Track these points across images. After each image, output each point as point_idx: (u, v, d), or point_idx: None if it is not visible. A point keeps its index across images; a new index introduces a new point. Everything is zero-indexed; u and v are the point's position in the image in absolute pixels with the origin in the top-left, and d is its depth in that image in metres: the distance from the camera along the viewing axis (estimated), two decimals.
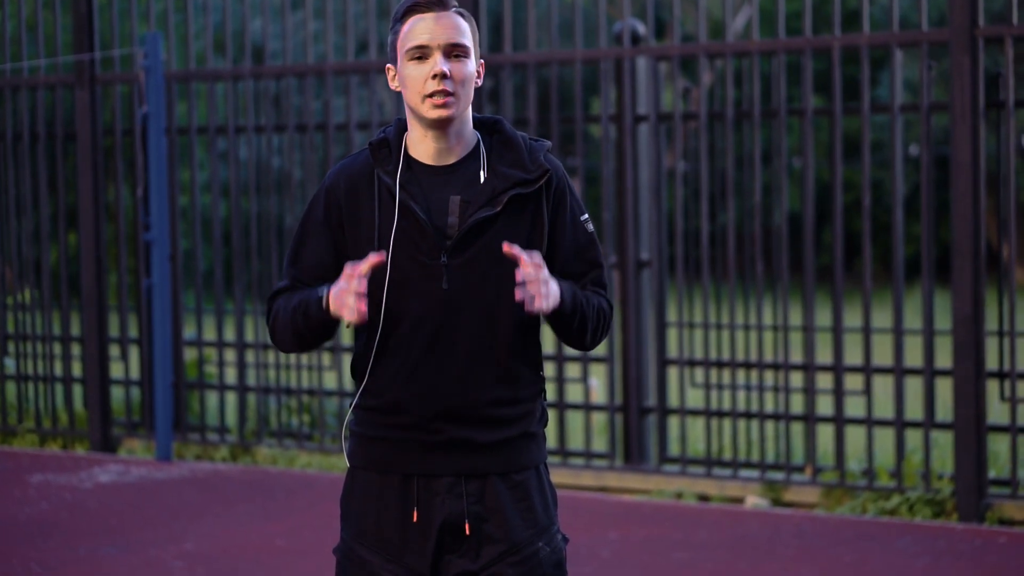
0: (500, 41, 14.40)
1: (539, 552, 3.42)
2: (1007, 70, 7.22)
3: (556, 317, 3.36)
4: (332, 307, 3.29)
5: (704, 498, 7.96)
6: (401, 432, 3.40)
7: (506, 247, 3.27)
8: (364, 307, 3.25)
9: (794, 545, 6.85)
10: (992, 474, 7.73)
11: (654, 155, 8.23)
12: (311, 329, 3.38)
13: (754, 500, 7.80)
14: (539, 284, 3.25)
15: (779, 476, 7.88)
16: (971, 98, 7.19)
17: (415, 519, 3.40)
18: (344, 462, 8.68)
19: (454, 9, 3.38)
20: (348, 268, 3.26)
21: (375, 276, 3.36)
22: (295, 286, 3.45)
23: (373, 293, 3.37)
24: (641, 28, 8.29)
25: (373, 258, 3.25)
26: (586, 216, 3.48)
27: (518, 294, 3.25)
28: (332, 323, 3.35)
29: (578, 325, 3.41)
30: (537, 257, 3.26)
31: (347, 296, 3.25)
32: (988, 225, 17.73)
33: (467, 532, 3.39)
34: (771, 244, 8.14)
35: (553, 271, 3.42)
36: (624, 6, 8.08)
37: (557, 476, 8.28)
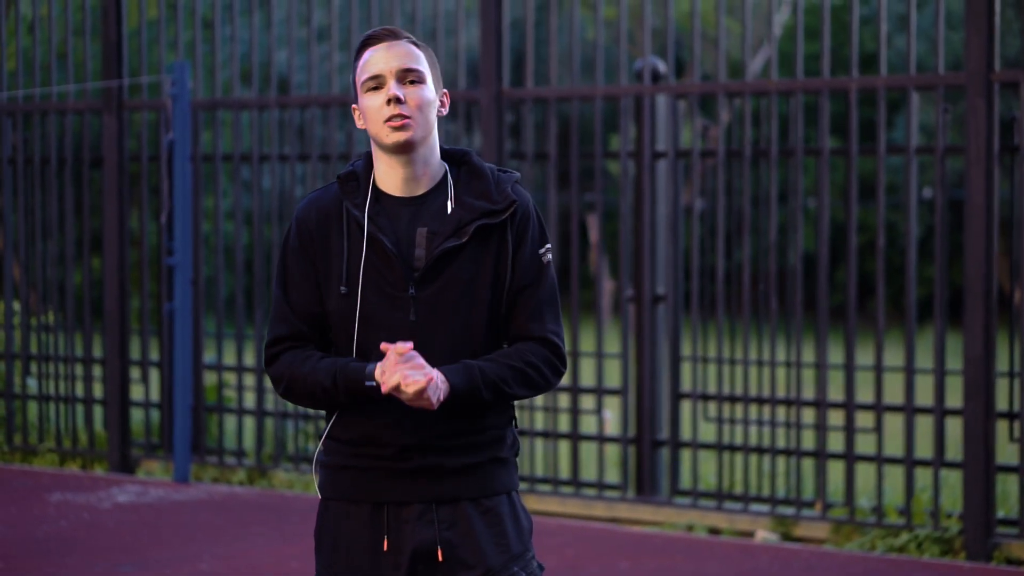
0: (522, 76, 14.50)
1: None
2: (1022, 115, 7.31)
3: (457, 403, 3.33)
4: (391, 387, 3.27)
5: (715, 531, 8.02)
6: (370, 461, 3.40)
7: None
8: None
9: None
10: (1000, 514, 7.78)
11: (672, 192, 8.32)
12: (344, 399, 3.37)
13: (764, 534, 7.86)
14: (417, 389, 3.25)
15: (789, 511, 7.94)
16: (986, 142, 7.27)
17: (385, 548, 3.40)
18: None
19: (407, 39, 3.41)
20: (392, 354, 3.26)
21: (346, 309, 3.38)
22: (297, 334, 3.43)
23: (344, 325, 3.38)
24: (661, 66, 8.39)
25: (403, 347, 3.26)
26: (547, 246, 3.46)
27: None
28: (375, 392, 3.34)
29: (491, 397, 3.37)
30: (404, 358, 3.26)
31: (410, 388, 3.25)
32: (1000, 268, 17.79)
33: (440, 559, 3.38)
34: (786, 282, 8.22)
35: (507, 300, 3.42)
36: (645, 44, 8.19)
37: (570, 506, 8.37)
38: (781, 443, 8.10)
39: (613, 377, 9.66)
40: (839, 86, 7.80)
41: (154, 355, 10.20)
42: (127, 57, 9.53)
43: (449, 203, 3.40)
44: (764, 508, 8.03)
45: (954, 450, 8.51)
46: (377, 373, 3.29)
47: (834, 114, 17.71)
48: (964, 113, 7.36)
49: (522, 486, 8.53)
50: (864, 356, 8.68)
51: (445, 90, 3.48)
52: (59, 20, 11.01)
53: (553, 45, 8.48)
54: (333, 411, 3.46)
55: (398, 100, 3.34)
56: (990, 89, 7.28)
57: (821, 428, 7.87)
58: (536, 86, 8.63)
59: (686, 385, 8.47)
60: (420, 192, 3.41)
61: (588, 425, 9.51)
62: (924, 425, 8.07)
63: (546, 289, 3.45)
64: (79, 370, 9.92)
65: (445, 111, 3.45)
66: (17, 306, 10.14)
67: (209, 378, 9.92)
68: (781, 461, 8.25)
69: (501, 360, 3.40)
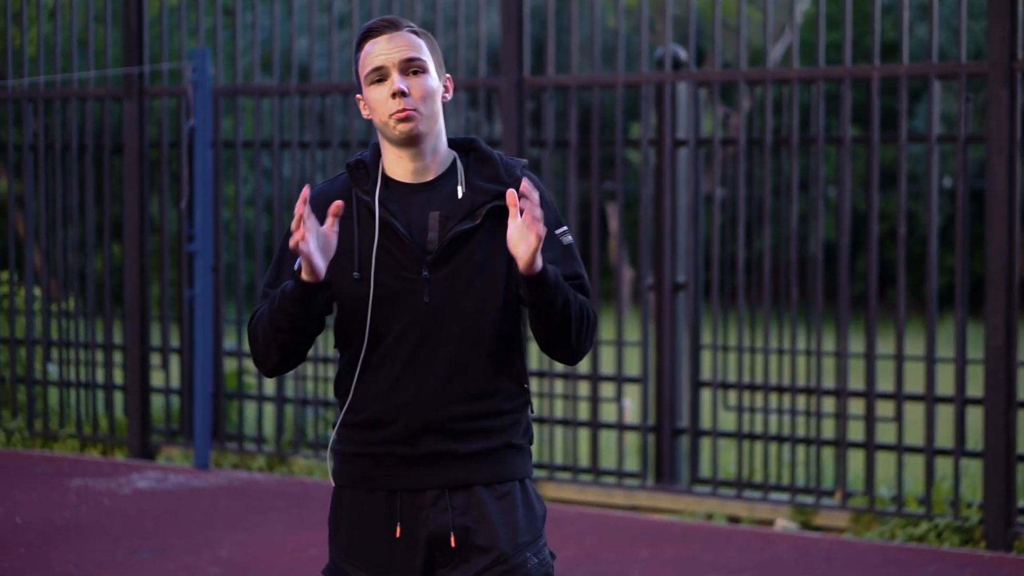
0: (543, 64, 14.49)
1: (527, 562, 3.41)
2: None
3: (538, 288, 3.26)
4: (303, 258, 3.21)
5: (734, 520, 8.03)
6: (383, 447, 3.39)
7: (510, 195, 3.20)
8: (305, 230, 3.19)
9: (822, 569, 6.91)
10: (1021, 503, 7.76)
11: (692, 180, 8.31)
12: (287, 312, 3.28)
13: (783, 523, 7.86)
14: (537, 223, 3.18)
15: (809, 500, 7.94)
16: (1008, 130, 7.25)
17: (398, 535, 3.39)
18: None
19: (407, 28, 3.41)
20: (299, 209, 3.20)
21: (359, 293, 3.36)
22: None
23: (358, 310, 3.37)
24: (682, 54, 8.38)
25: (333, 206, 3.21)
26: (564, 228, 3.45)
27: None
28: (306, 294, 3.25)
29: (562, 309, 3.30)
30: (536, 211, 3.19)
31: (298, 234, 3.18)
32: (1022, 257, 17.75)
33: (453, 545, 3.38)
34: (806, 271, 8.22)
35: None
36: (666, 32, 8.18)
37: (589, 494, 8.37)
38: (801, 432, 8.10)
39: (633, 365, 9.67)
40: (861, 74, 7.78)
41: (174, 342, 10.22)
42: (148, 44, 9.54)
43: (460, 188, 3.40)
44: (784, 497, 8.03)
45: (974, 439, 8.49)
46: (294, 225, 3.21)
47: (855, 103, 17.61)
48: (986, 102, 7.34)
49: (542, 473, 8.53)
50: (885, 345, 8.67)
51: (448, 75, 3.49)
52: (80, 6, 11.03)
53: (574, 33, 8.47)
54: (298, 351, 3.37)
55: (403, 93, 3.35)
56: (1012, 78, 7.26)
57: (841, 417, 7.86)
58: (557, 74, 8.62)
59: (706, 373, 8.47)
60: (429, 178, 3.41)
61: (608, 413, 9.52)
62: (944, 414, 8.05)
63: (575, 268, 3.41)
64: (99, 356, 9.95)
65: (449, 96, 3.46)
66: (38, 292, 10.17)
67: (229, 365, 9.94)
68: (801, 450, 8.24)
69: (573, 291, 3.35)
